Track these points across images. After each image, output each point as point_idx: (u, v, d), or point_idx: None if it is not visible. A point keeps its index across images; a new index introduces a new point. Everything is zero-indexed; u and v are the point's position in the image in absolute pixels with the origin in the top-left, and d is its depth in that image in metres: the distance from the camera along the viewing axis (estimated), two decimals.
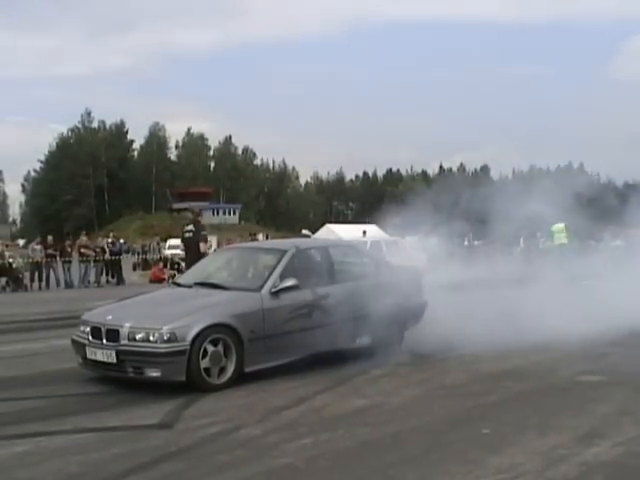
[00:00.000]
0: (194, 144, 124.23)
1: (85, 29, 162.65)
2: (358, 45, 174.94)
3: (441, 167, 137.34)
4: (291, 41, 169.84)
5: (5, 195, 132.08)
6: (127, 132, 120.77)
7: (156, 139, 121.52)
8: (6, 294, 25.55)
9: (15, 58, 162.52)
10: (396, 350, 10.16)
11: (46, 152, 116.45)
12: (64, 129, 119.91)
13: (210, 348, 8.28)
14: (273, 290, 9.08)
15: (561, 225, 23.59)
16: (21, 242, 32.15)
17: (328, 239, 20.32)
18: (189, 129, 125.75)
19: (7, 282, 26.71)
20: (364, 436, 6.51)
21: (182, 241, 15.26)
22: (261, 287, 9.12)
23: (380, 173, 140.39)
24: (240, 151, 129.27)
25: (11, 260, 27.16)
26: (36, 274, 27.12)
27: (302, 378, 8.76)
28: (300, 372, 8.94)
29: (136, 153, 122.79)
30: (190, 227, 15.32)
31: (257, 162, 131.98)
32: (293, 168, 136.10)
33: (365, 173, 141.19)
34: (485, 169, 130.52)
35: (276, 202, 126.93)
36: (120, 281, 28.64)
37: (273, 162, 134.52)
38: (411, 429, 6.76)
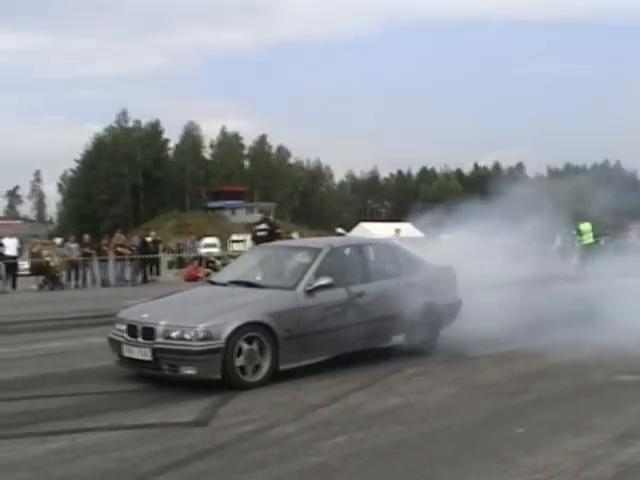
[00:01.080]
0: (229, 143, 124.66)
1: (120, 29, 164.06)
2: (392, 42, 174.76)
3: (476, 165, 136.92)
4: (325, 39, 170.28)
5: (42, 194, 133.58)
6: (162, 131, 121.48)
7: (191, 138, 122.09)
8: (43, 292, 25.83)
9: (52, 59, 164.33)
10: (430, 349, 10.14)
11: (82, 152, 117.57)
12: (100, 129, 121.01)
13: (245, 346, 8.30)
14: (308, 288, 9.08)
15: (588, 225, 23.51)
16: (58, 241, 32.37)
17: (362, 237, 20.28)
18: (224, 128, 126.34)
19: (44, 280, 26.99)
20: (398, 435, 6.50)
21: (253, 240, 15.08)
22: (296, 285, 9.13)
23: (414, 171, 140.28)
24: (274, 150, 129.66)
25: (48, 259, 27.44)
26: (73, 273, 27.38)
27: (336, 376, 8.76)
28: (334, 370, 8.95)
29: (171, 152, 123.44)
30: (263, 226, 15.21)
31: (291, 161, 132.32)
32: (327, 167, 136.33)
33: (399, 171, 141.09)
34: (520, 167, 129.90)
35: (310, 201, 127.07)
36: (146, 280, 28.68)
37: (307, 161, 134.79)
38: (445, 428, 6.74)
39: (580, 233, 24.04)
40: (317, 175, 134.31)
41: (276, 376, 8.49)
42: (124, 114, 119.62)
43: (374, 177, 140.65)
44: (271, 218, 15.97)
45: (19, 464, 5.83)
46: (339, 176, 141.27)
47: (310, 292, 9.06)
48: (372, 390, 8.22)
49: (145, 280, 28.50)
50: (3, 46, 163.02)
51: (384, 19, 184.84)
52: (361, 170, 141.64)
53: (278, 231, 15.29)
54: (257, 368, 8.42)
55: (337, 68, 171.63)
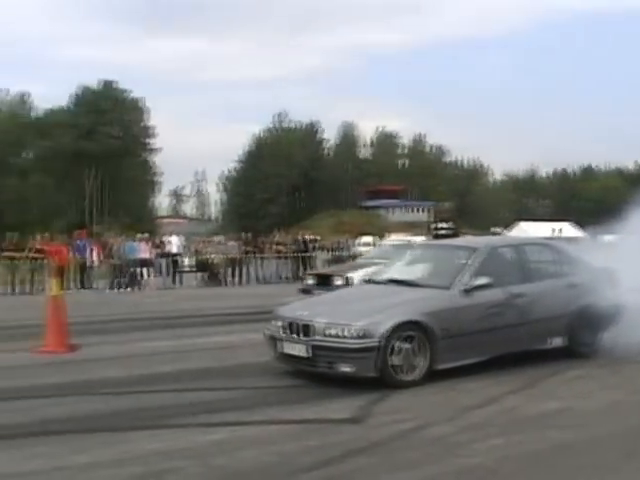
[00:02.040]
0: (385, 142, 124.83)
1: (280, 32, 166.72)
2: (551, 37, 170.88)
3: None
4: (482, 36, 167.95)
5: (205, 194, 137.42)
6: (319, 131, 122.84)
7: (348, 138, 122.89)
8: (205, 288, 26.58)
9: (213, 62, 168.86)
10: (592, 351, 9.86)
11: (243, 152, 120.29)
12: (259, 129, 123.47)
13: (401, 345, 8.29)
14: (465, 288, 9.00)
15: None
16: (219, 239, 33.31)
17: (521, 237, 19.96)
18: (381, 127, 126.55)
19: (206, 277, 27.79)
20: (557, 439, 6.35)
21: (433, 238, 15.03)
22: (453, 285, 9.06)
23: (574, 169, 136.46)
24: (432, 149, 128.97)
25: (210, 256, 28.24)
26: (233, 269, 28.06)
27: (493, 378, 8.65)
28: (491, 371, 8.83)
29: (328, 152, 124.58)
30: (444, 224, 15.25)
31: (449, 160, 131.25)
32: (485, 165, 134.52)
33: (559, 169, 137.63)
34: None
35: (467, 200, 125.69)
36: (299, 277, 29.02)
37: (465, 160, 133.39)
38: (607, 434, 6.54)
39: None
40: (474, 174, 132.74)
41: (432, 376, 8.46)
42: (283, 114, 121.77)
43: (532, 176, 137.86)
44: (450, 218, 15.82)
45: (181, 452, 6.03)
46: (497, 175, 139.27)
47: (468, 292, 8.99)
48: (530, 392, 8.07)
49: (299, 278, 28.86)
50: (169, 51, 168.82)
51: (538, 14, 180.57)
52: (519, 169, 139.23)
53: (458, 231, 15.20)
54: (413, 367, 8.39)
55: (493, 66, 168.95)
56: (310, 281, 17.20)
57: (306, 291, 16.83)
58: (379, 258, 17.81)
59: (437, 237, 14.92)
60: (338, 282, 16.13)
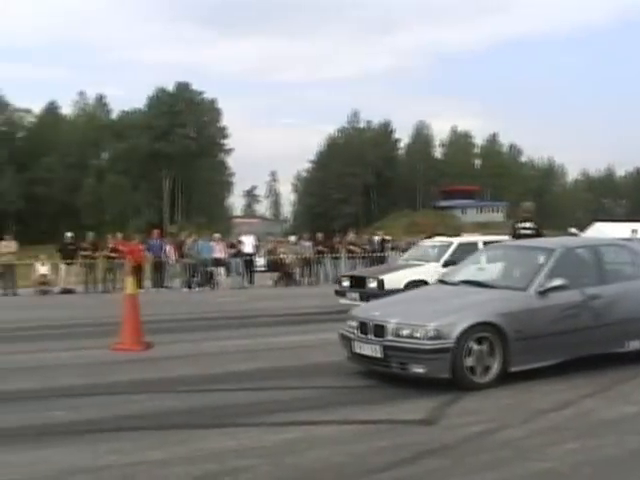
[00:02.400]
0: (459, 142, 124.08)
1: (353, 32, 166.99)
2: (627, 35, 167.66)
3: None
4: (555, 34, 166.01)
5: (278, 194, 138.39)
6: (393, 131, 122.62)
7: (421, 137, 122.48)
8: (279, 288, 26.75)
9: (289, 63, 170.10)
10: None
11: (316, 152, 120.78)
12: (332, 130, 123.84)
13: (475, 346, 8.23)
14: (540, 289, 8.88)
15: None
16: (292, 239, 33.49)
17: (598, 238, 19.61)
18: (454, 127, 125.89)
19: (279, 276, 27.97)
20: (635, 444, 6.20)
21: (515, 238, 14.80)
22: (528, 286, 8.95)
23: None
24: (506, 149, 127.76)
25: (283, 256, 28.41)
26: (306, 269, 28.18)
27: (568, 381, 8.51)
28: (566, 374, 8.70)
29: (402, 152, 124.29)
30: (528, 225, 14.98)
31: (523, 159, 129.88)
32: (560, 165, 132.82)
33: (638, 169, 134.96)
34: None
35: (542, 200, 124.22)
36: None
37: (539, 159, 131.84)
38: None
39: None
40: (550, 173, 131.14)
41: (506, 378, 8.36)
42: (356, 114, 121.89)
43: (609, 175, 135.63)
44: (533, 217, 15.40)
45: (254, 451, 6.07)
46: (572, 175, 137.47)
47: (543, 293, 8.86)
48: (606, 396, 7.92)
49: None
50: (242, 52, 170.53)
51: (614, 11, 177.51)
52: (596, 168, 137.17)
53: (541, 231, 14.90)
54: (486, 369, 8.32)
55: (567, 64, 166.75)
56: (345, 283, 17.05)
57: (340, 293, 16.78)
58: (415, 259, 17.66)
59: (519, 237, 14.45)
60: (371, 284, 15.95)
